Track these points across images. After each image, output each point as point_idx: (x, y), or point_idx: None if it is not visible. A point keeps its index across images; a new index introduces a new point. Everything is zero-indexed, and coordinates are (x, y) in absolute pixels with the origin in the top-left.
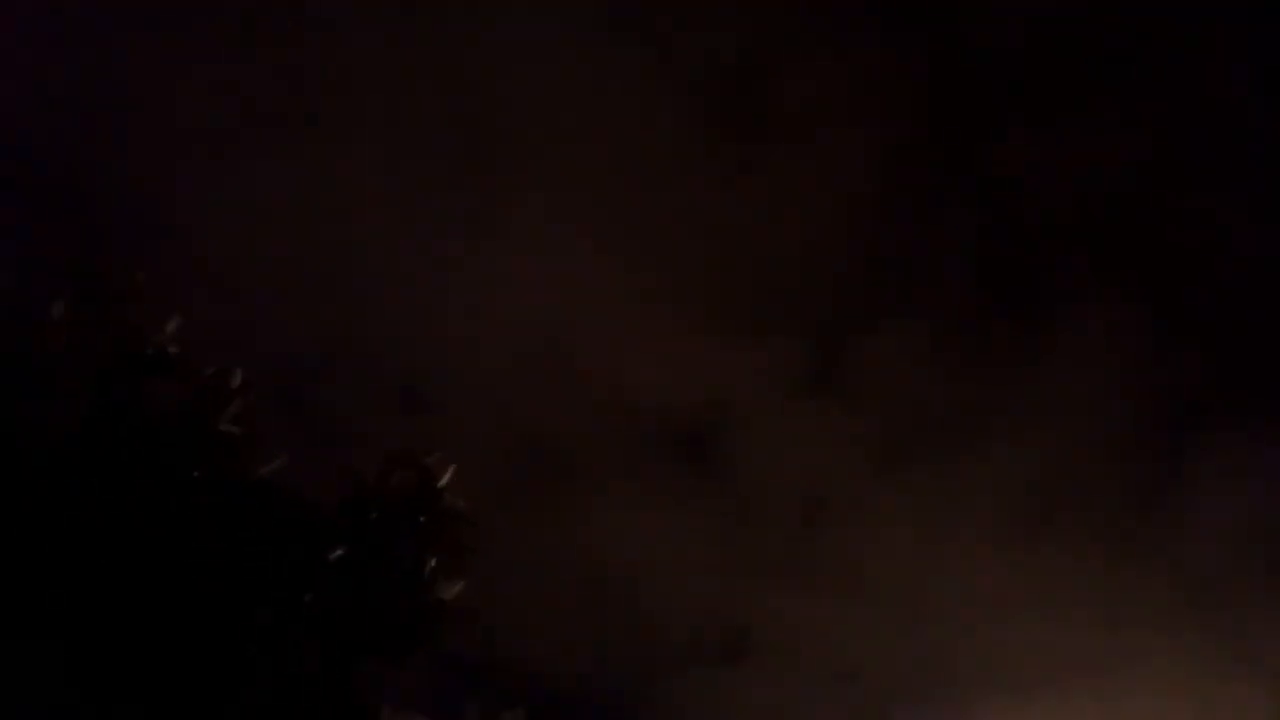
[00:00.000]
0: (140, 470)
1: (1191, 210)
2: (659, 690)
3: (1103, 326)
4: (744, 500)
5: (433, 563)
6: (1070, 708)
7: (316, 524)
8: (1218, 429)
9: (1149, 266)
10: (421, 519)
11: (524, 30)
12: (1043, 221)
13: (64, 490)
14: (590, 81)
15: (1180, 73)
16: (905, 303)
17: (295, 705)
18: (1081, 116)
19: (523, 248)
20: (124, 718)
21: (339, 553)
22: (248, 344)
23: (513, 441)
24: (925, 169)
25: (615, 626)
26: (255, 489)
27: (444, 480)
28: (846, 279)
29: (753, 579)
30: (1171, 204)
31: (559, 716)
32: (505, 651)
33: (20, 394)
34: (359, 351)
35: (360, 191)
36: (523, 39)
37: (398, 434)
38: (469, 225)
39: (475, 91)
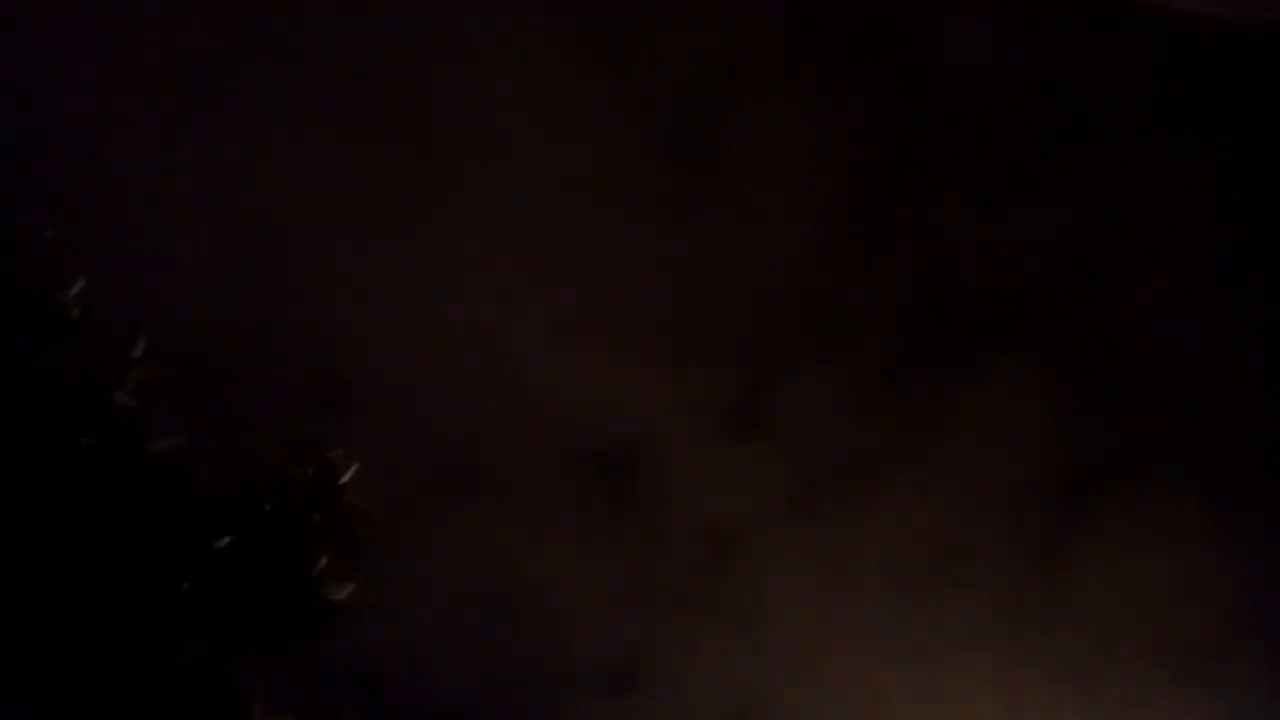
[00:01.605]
0: (28, 433)
1: (1110, 289)
2: (547, 714)
3: (1018, 390)
4: (655, 529)
5: (324, 561)
6: None
7: (205, 508)
8: (1117, 495)
9: (1066, 337)
10: (317, 515)
11: (480, 40)
12: (972, 285)
13: None
14: (543, 99)
15: (1117, 158)
16: (833, 350)
17: (165, 694)
18: (1019, 192)
19: (460, 256)
20: None
21: (226, 540)
22: (160, 316)
23: (427, 447)
24: (866, 223)
25: (510, 646)
26: (145, 465)
27: (346, 477)
28: (780, 321)
29: (654, 609)
30: (1092, 282)
31: None
32: (393, 663)
33: None
34: (277, 338)
35: (301, 179)
36: (478, 48)
37: (307, 427)
38: (408, 228)
39: (425, 95)
